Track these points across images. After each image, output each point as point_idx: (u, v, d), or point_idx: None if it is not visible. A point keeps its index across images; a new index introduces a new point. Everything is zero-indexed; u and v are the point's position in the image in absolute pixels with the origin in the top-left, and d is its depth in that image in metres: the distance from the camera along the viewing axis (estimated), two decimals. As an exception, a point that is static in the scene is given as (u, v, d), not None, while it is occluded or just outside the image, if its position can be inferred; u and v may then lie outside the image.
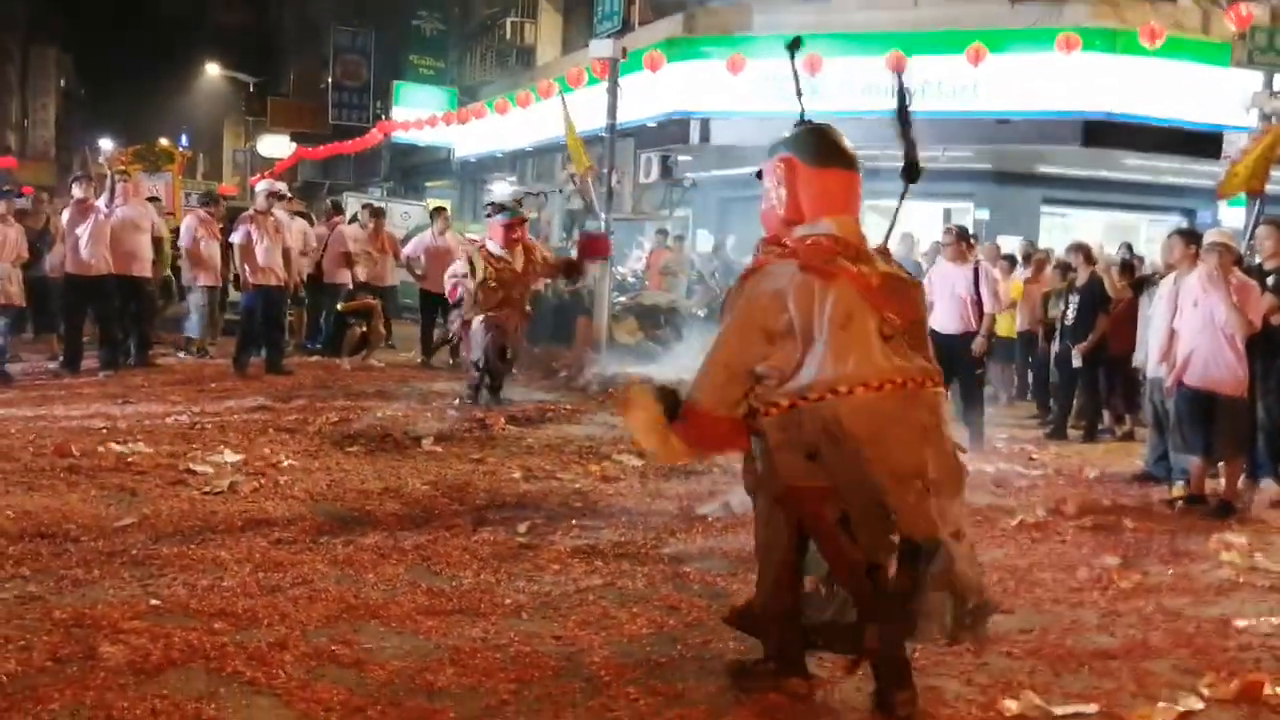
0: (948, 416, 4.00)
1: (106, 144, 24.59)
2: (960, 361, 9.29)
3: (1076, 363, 10.18)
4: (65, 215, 11.33)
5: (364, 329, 13.45)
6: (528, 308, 10.65)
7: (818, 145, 4.02)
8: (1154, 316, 8.20)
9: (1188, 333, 7.43)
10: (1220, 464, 7.63)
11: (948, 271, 9.45)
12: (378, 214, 15.02)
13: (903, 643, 3.82)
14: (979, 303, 9.25)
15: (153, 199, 14.55)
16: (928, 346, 3.98)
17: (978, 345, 9.24)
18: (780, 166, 4.02)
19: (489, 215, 10.36)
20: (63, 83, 56.94)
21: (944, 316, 9.34)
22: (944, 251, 9.73)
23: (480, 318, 9.94)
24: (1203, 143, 15.48)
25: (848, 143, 4.05)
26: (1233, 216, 16.09)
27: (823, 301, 3.74)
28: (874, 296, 3.81)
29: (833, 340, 3.71)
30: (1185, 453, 7.59)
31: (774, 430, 3.79)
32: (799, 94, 4.30)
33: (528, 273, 10.14)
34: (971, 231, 11.14)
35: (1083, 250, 10.65)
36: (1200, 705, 4.06)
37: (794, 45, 4.44)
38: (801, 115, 4.19)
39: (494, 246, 10.07)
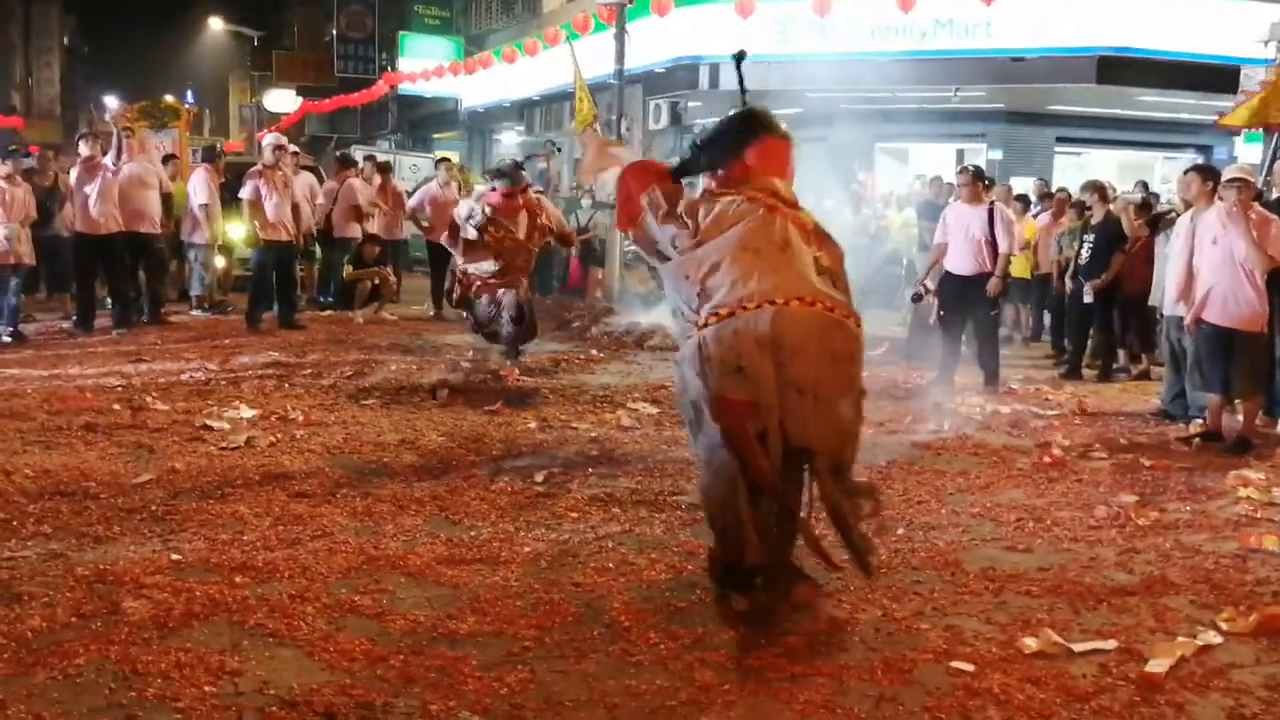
0: (861, 360, 4.35)
1: (112, 101, 24.42)
2: (975, 302, 9.24)
3: (1088, 298, 10.11)
4: (73, 174, 11.30)
5: (375, 282, 13.45)
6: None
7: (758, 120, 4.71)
8: (1171, 254, 8.12)
9: (1206, 269, 7.36)
10: (1238, 401, 7.60)
11: (963, 212, 9.36)
12: (382, 168, 14.95)
13: (789, 548, 4.32)
14: (994, 243, 9.17)
15: (170, 156, 14.51)
16: (850, 295, 4.39)
17: (992, 285, 9.17)
18: None
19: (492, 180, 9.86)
20: (66, 40, 56.61)
21: (958, 258, 9.28)
22: (959, 192, 9.63)
23: (478, 285, 9.17)
24: (1219, 77, 15.19)
25: (780, 122, 4.72)
26: (1250, 153, 15.90)
27: (767, 226, 4.23)
28: (808, 236, 4.36)
29: (773, 258, 4.17)
30: (1204, 390, 7.56)
31: (711, 342, 4.10)
32: (743, 93, 5.09)
33: (532, 239, 9.28)
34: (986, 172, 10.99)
35: (1098, 189, 10.54)
36: (1219, 639, 4.06)
37: (739, 56, 5.23)
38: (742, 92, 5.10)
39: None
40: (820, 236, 4.42)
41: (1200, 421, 7.72)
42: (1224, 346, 7.29)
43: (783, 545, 4.30)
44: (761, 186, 4.42)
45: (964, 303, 9.33)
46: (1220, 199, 7.38)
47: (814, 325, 4.08)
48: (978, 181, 9.48)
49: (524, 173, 9.58)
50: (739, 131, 4.64)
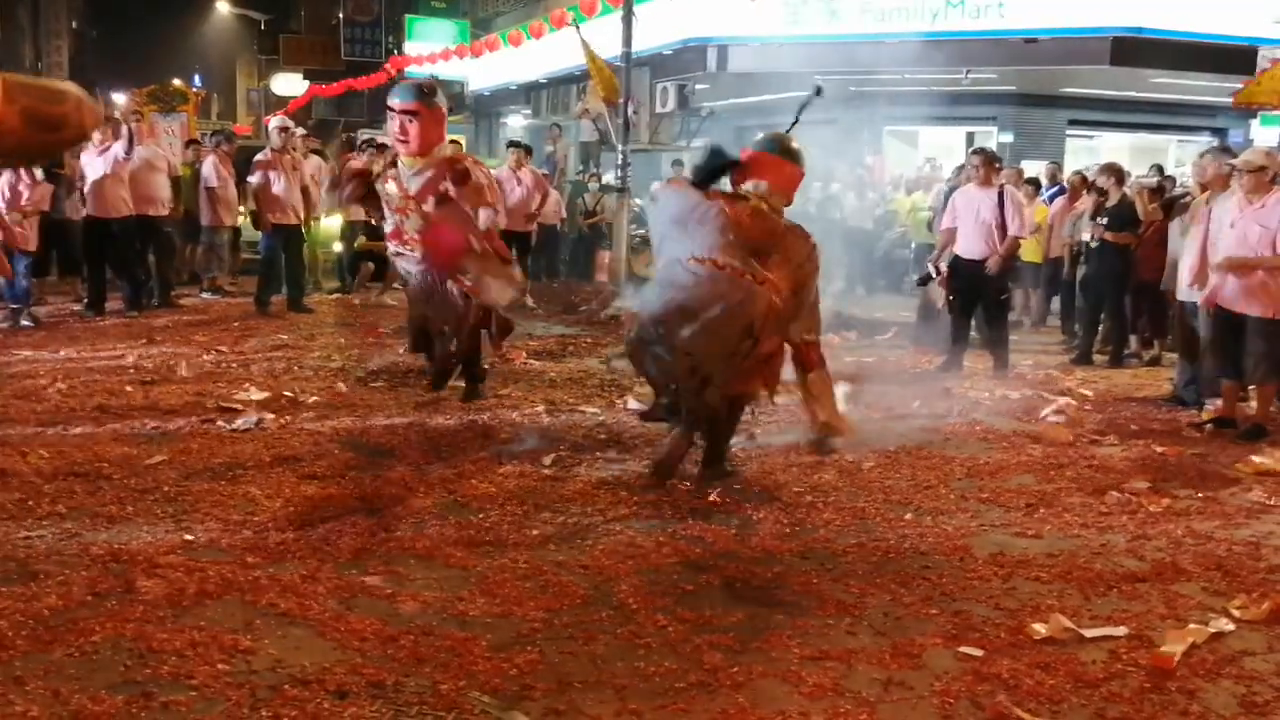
0: (749, 310, 5.35)
1: (119, 97, 24.45)
2: (985, 286, 9.22)
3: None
4: (83, 158, 11.31)
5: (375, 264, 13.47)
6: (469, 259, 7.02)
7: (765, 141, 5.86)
8: (1187, 238, 8.08)
9: (1223, 254, 7.33)
10: (1251, 387, 7.58)
11: (973, 195, 9.33)
12: (382, 148, 14.91)
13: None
14: (1004, 227, 9.15)
15: (192, 141, 14.53)
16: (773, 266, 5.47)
17: (992, 264, 9.13)
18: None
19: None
20: (74, 25, 56.54)
21: (968, 241, 9.26)
22: (972, 175, 9.59)
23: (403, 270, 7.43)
24: (1235, 58, 15.13)
25: (772, 139, 5.83)
26: (1268, 135, 15.82)
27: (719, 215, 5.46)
28: (738, 221, 5.46)
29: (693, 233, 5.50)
30: (1218, 375, 7.54)
31: (650, 287, 5.81)
32: (795, 121, 6.03)
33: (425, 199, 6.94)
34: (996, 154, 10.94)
35: (1113, 172, 10.49)
36: (1231, 627, 4.06)
37: (817, 91, 6.12)
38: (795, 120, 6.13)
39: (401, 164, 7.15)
40: (760, 225, 5.52)
41: (1212, 407, 7.71)
42: (1237, 332, 7.26)
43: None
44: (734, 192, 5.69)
45: (974, 287, 9.31)
46: (1237, 183, 7.33)
47: (721, 281, 5.36)
48: (991, 164, 9.45)
49: (437, 99, 7.08)
50: (715, 159, 5.73)
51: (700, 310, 5.35)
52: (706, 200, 5.54)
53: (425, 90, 6.94)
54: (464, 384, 7.59)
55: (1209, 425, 7.44)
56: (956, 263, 9.41)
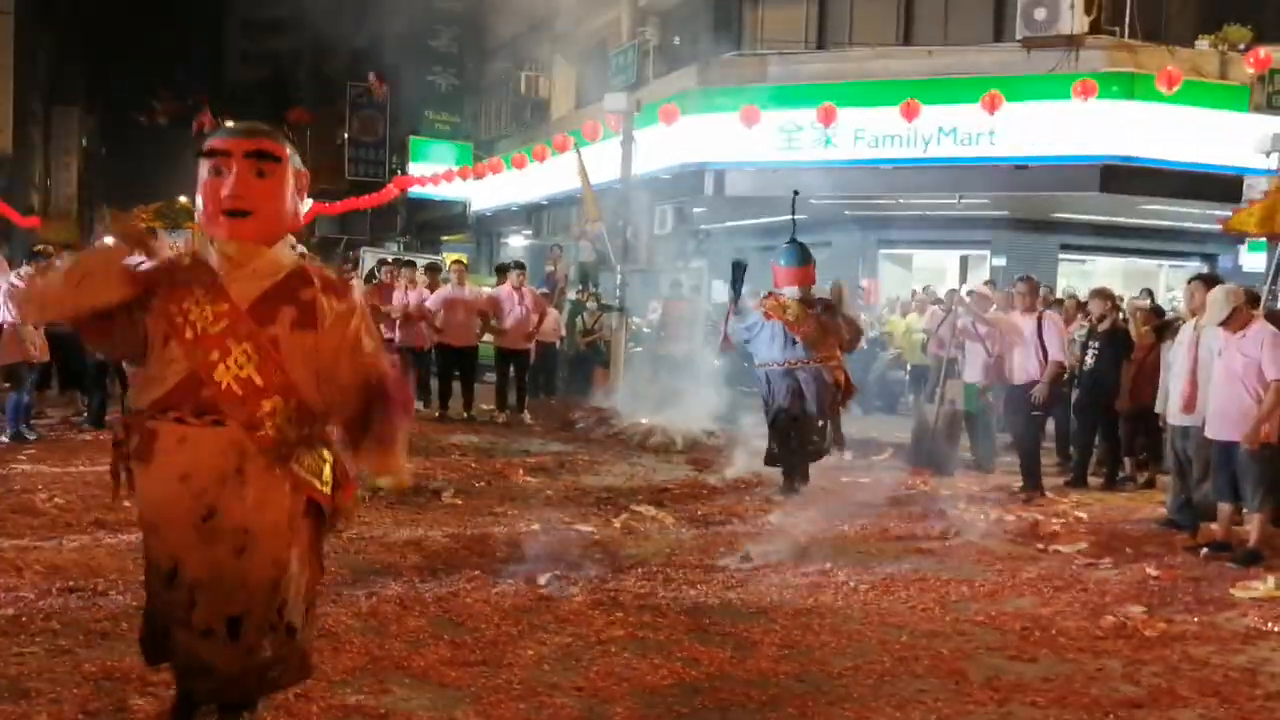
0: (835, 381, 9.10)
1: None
2: (1023, 409, 9.36)
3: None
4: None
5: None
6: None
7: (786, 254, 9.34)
8: (1174, 363, 8.19)
9: (1210, 382, 7.44)
10: (1246, 511, 7.59)
11: (1020, 324, 9.59)
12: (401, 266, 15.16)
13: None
14: (1044, 351, 9.33)
15: None
16: (822, 346, 9.08)
17: (1038, 391, 9.31)
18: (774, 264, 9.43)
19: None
20: (84, 142, 57.72)
21: (1013, 368, 9.49)
22: (1018, 302, 9.90)
23: None
24: (1222, 187, 15.50)
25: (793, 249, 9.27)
26: (1254, 261, 16.10)
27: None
28: (791, 326, 9.01)
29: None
30: (1214, 500, 7.58)
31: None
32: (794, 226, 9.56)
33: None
34: (989, 279, 11.17)
35: (1107, 296, 10.66)
36: (1228, 754, 4.03)
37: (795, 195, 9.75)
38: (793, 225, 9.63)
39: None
40: (798, 317, 9.03)
41: (1206, 529, 7.72)
42: (1229, 459, 7.32)
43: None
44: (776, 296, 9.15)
45: (1014, 410, 9.52)
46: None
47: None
48: (1035, 290, 9.80)
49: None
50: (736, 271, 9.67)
51: (798, 389, 9.02)
52: (766, 320, 9.09)
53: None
54: None
55: (1205, 549, 7.44)
56: (1005, 389, 9.73)
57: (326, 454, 3.68)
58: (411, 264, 15.66)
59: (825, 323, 9.10)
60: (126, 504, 3.97)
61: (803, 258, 9.31)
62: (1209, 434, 7.42)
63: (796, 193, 10.09)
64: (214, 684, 3.48)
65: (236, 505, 3.43)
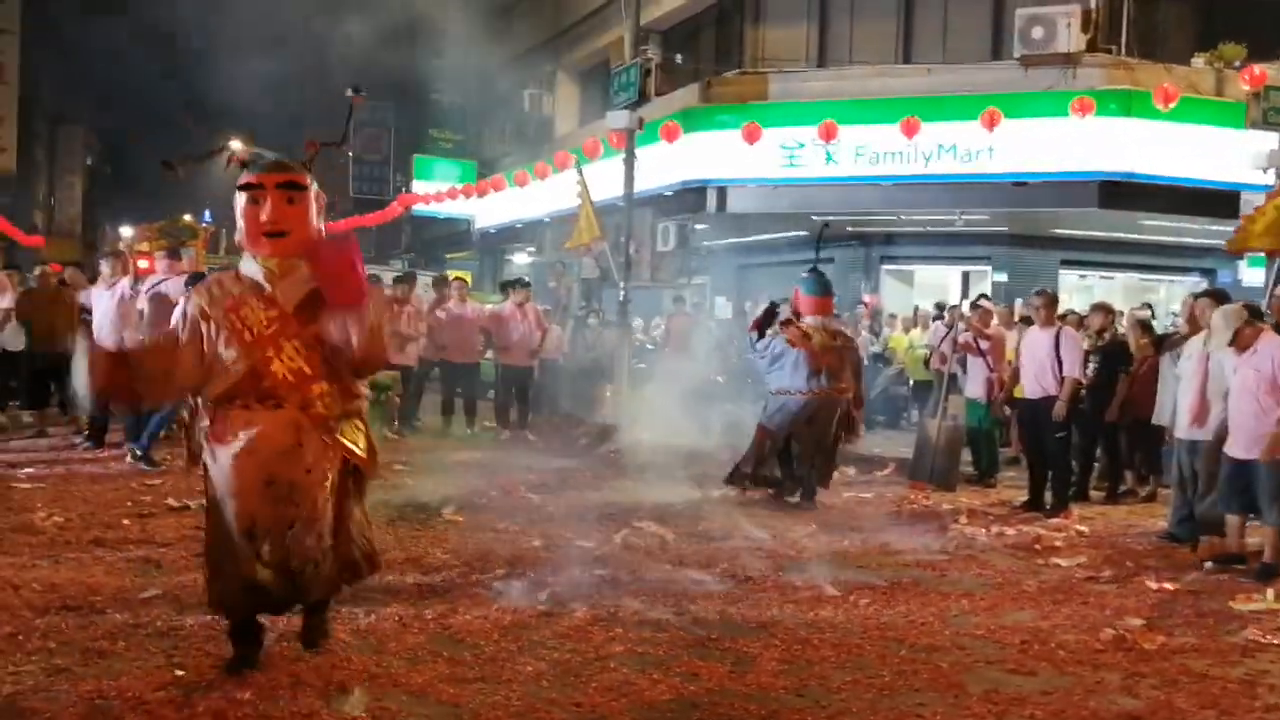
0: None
1: (127, 231, 24.96)
2: (1045, 425, 9.31)
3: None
4: (92, 292, 11.47)
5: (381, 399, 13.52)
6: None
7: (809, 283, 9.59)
8: (1184, 377, 8.18)
9: (1224, 399, 7.46)
10: (1256, 522, 7.56)
11: (1037, 338, 9.55)
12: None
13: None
14: (1060, 367, 9.29)
15: (199, 275, 14.77)
16: (841, 376, 9.32)
17: (1058, 410, 9.26)
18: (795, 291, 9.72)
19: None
20: (89, 161, 57.95)
21: (1028, 381, 9.46)
22: (1035, 316, 9.83)
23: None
24: (1220, 202, 15.52)
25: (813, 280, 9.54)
26: (1254, 276, 16.10)
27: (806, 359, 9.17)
28: (814, 355, 9.17)
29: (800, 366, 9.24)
30: (1224, 510, 7.56)
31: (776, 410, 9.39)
32: (817, 253, 10.06)
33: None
34: (990, 294, 11.20)
35: (1106, 310, 10.67)
36: (1227, 768, 4.02)
37: (825, 225, 10.18)
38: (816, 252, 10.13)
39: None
40: (826, 350, 9.25)
41: (1206, 543, 7.69)
42: (1247, 476, 7.31)
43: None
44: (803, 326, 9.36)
45: (1035, 427, 9.46)
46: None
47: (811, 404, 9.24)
48: (1052, 305, 9.76)
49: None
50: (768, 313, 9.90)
51: (817, 417, 9.22)
52: (791, 348, 9.16)
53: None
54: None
55: (1210, 563, 7.42)
56: (1018, 402, 9.65)
57: (360, 425, 4.69)
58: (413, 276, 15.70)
59: (844, 354, 9.36)
60: (198, 472, 4.71)
61: (824, 287, 9.63)
62: (1228, 451, 7.40)
63: (827, 224, 10.60)
64: (291, 596, 4.57)
65: (294, 470, 4.39)
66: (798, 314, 9.59)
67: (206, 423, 4.53)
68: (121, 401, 4.72)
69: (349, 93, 5.20)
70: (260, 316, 4.50)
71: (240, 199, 4.62)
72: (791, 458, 9.56)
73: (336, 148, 5.34)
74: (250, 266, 4.66)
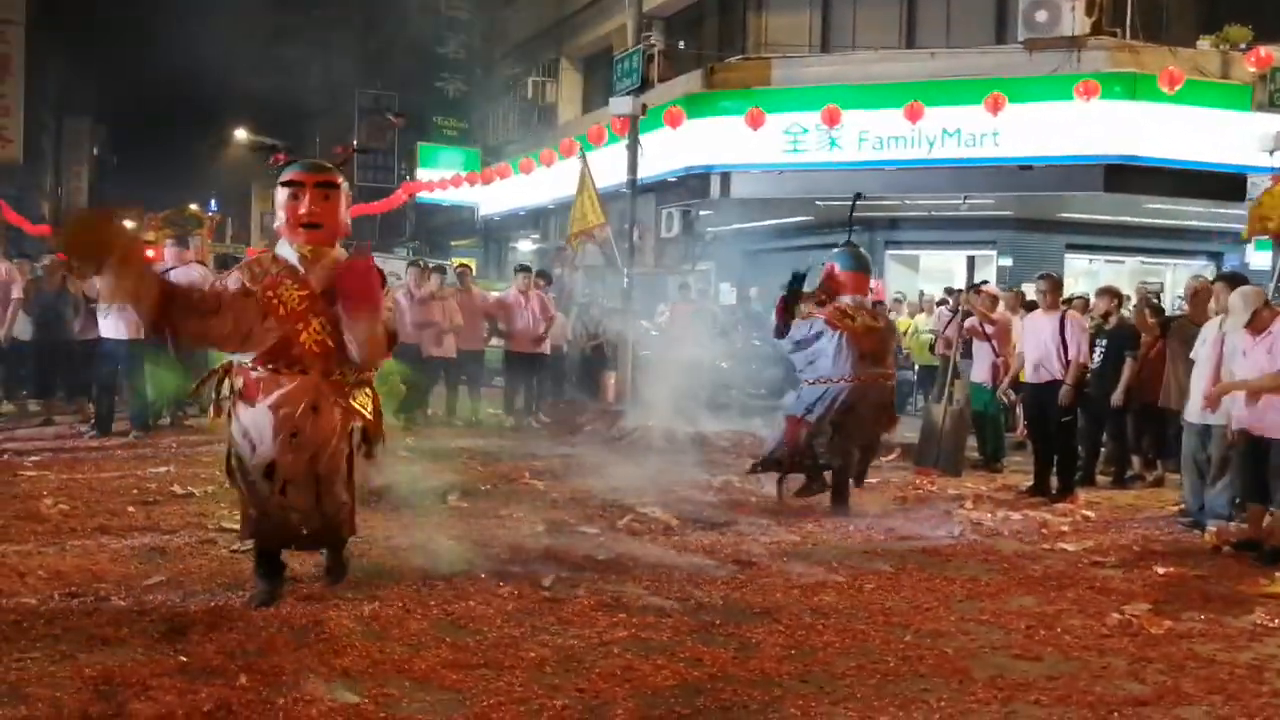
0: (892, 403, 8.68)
1: (129, 224, 24.97)
2: (1050, 409, 9.26)
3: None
4: (97, 281, 11.45)
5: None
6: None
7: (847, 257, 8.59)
8: (1198, 361, 8.14)
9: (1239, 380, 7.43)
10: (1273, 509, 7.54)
11: (1041, 322, 9.50)
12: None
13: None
14: (1065, 351, 9.23)
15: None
16: (885, 361, 8.52)
17: (1064, 395, 9.20)
18: (829, 266, 8.56)
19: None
20: (95, 151, 58.01)
21: (1033, 365, 9.42)
22: (1040, 300, 9.72)
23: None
24: (1226, 185, 15.48)
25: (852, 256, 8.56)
26: (1261, 259, 16.05)
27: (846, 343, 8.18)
28: (858, 337, 8.19)
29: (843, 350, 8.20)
30: (1244, 498, 7.54)
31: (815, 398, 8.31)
32: (850, 229, 8.84)
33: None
34: (992, 279, 11.14)
35: (1113, 294, 10.62)
36: (1233, 751, 4.01)
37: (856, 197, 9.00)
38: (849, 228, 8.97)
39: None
40: (866, 332, 8.27)
41: (1214, 528, 7.68)
42: (1259, 455, 7.28)
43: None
44: (841, 306, 8.32)
45: (1041, 411, 9.41)
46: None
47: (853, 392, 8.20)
48: (1057, 289, 9.69)
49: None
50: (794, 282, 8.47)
51: (860, 405, 8.17)
52: (829, 329, 8.11)
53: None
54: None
55: (1226, 548, 7.39)
56: (1023, 386, 9.58)
57: (369, 392, 5.52)
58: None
59: (888, 337, 8.51)
60: (220, 420, 5.44)
61: (862, 263, 8.62)
62: (1247, 428, 7.36)
63: (859, 195, 9.21)
64: (307, 538, 5.50)
65: (312, 428, 5.22)
66: (830, 293, 8.45)
67: (240, 381, 5.31)
68: (161, 334, 5.13)
69: (389, 115, 5.69)
70: (293, 294, 5.27)
71: (282, 193, 5.37)
72: (816, 453, 8.41)
73: (366, 154, 6.18)
74: (286, 251, 5.43)
